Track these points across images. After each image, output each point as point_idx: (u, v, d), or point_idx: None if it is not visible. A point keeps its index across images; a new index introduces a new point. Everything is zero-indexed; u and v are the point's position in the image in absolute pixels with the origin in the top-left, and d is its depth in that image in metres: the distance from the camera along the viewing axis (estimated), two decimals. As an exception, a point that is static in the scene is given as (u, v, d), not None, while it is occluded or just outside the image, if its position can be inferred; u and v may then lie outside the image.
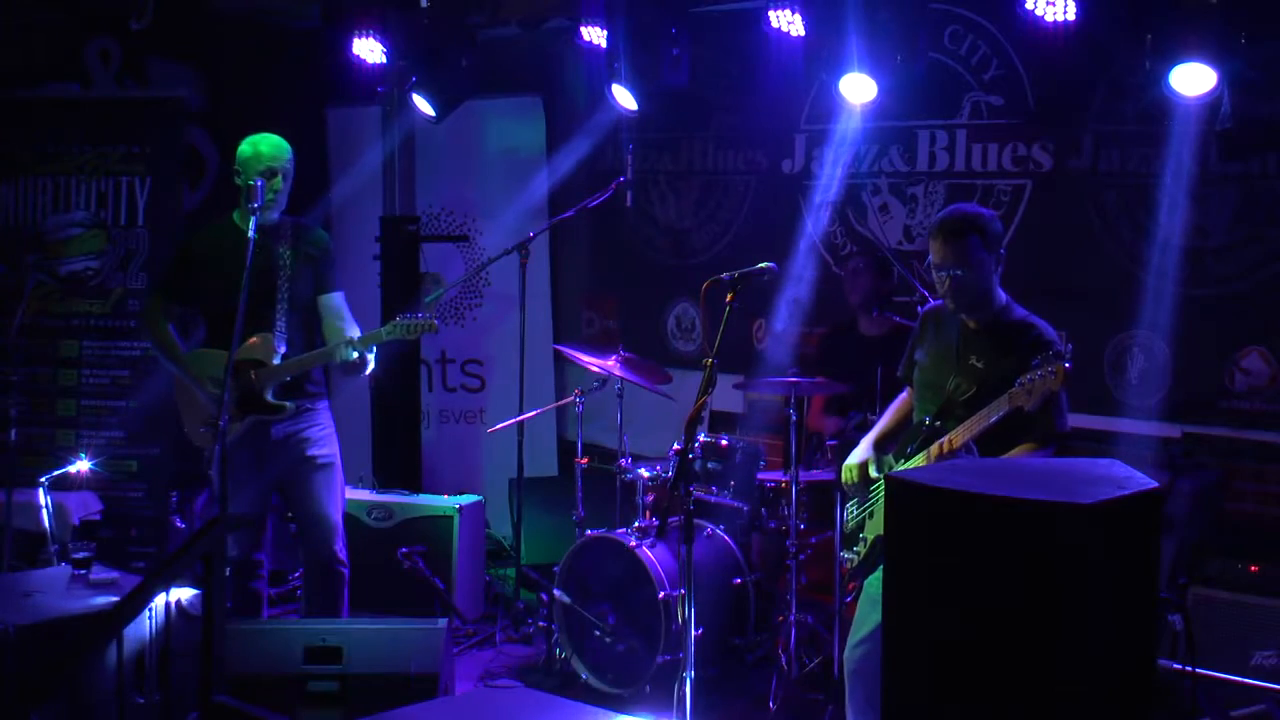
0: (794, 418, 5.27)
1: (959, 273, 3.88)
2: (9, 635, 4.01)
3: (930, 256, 3.97)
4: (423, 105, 6.57)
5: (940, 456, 3.83)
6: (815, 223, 6.81)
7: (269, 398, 4.93)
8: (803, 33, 5.48)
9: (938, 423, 3.92)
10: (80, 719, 3.96)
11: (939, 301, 4.16)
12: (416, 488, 6.67)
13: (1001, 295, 3.99)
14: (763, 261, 4.36)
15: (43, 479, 5.75)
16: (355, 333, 5.01)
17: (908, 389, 4.30)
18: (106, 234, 6.59)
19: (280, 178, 4.89)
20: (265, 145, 4.91)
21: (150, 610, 4.07)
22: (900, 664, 2.63)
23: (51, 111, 6.72)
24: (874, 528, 4.13)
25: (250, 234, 4.62)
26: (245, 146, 4.92)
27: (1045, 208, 5.93)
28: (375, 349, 4.92)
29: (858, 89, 5.50)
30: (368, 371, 4.99)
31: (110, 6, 7.04)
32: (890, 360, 4.76)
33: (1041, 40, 5.37)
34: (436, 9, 6.50)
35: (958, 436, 3.80)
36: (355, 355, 4.85)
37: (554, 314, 7.73)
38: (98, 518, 6.17)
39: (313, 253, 5.07)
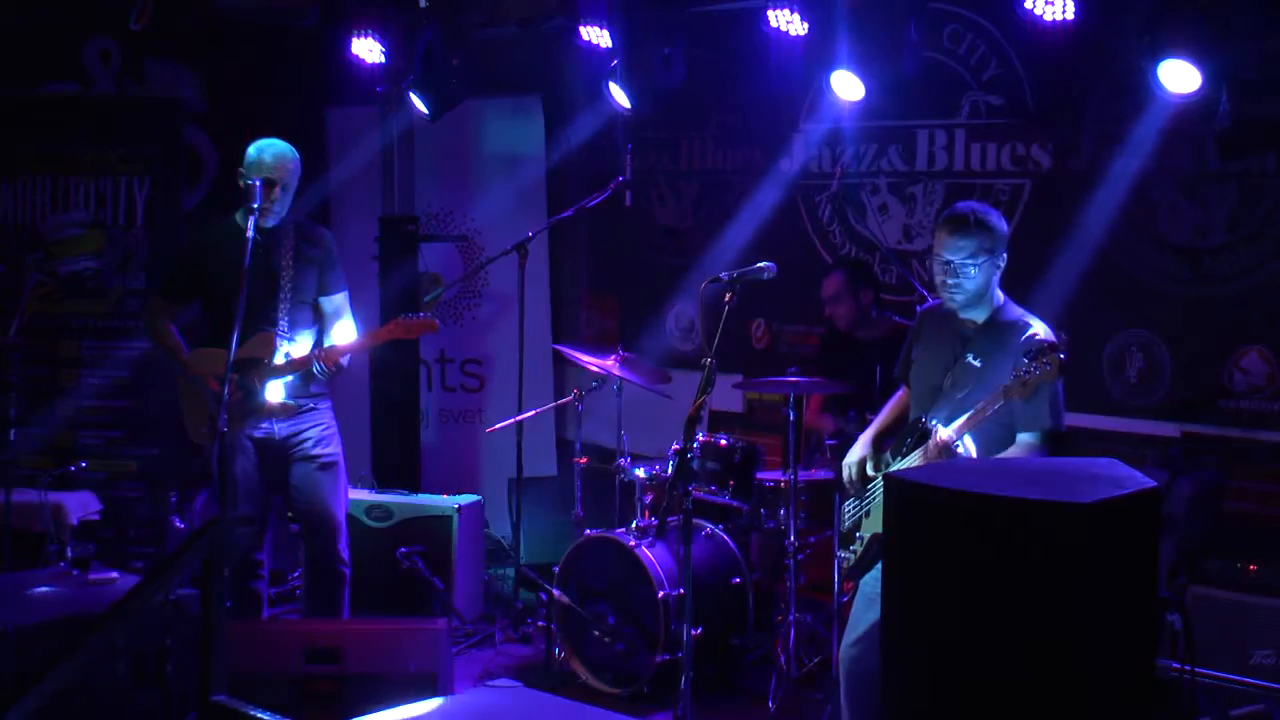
0: (793, 417, 5.27)
1: (961, 268, 3.88)
2: (9, 635, 4.01)
3: (933, 248, 3.97)
4: (418, 104, 6.58)
5: (937, 453, 3.82)
6: (814, 222, 6.81)
7: (271, 397, 4.94)
8: (803, 32, 5.48)
9: (934, 421, 3.93)
10: (80, 719, 3.96)
11: (937, 301, 4.16)
12: (416, 487, 6.67)
13: (1000, 295, 3.99)
14: (761, 261, 4.36)
15: (43, 479, 5.76)
16: (350, 335, 5.04)
17: (904, 387, 4.30)
18: (106, 234, 6.60)
19: (280, 188, 4.90)
20: (269, 153, 4.91)
21: (149, 610, 4.07)
22: (898, 664, 2.63)
23: (51, 111, 6.73)
24: (870, 526, 4.12)
25: (249, 234, 4.63)
26: (252, 150, 4.94)
27: (1044, 208, 5.93)
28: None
29: (848, 87, 5.50)
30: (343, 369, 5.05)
31: (110, 6, 7.04)
32: (889, 360, 4.77)
33: (1041, 39, 5.37)
34: (435, 9, 6.50)
35: (954, 432, 3.80)
36: (319, 370, 4.96)
37: (553, 314, 7.73)
38: (97, 518, 6.17)
39: (316, 254, 5.08)
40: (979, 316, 3.98)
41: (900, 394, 4.33)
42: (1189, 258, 5.56)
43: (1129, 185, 5.68)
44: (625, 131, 7.26)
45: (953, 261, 3.89)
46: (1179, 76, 4.68)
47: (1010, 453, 3.82)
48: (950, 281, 3.91)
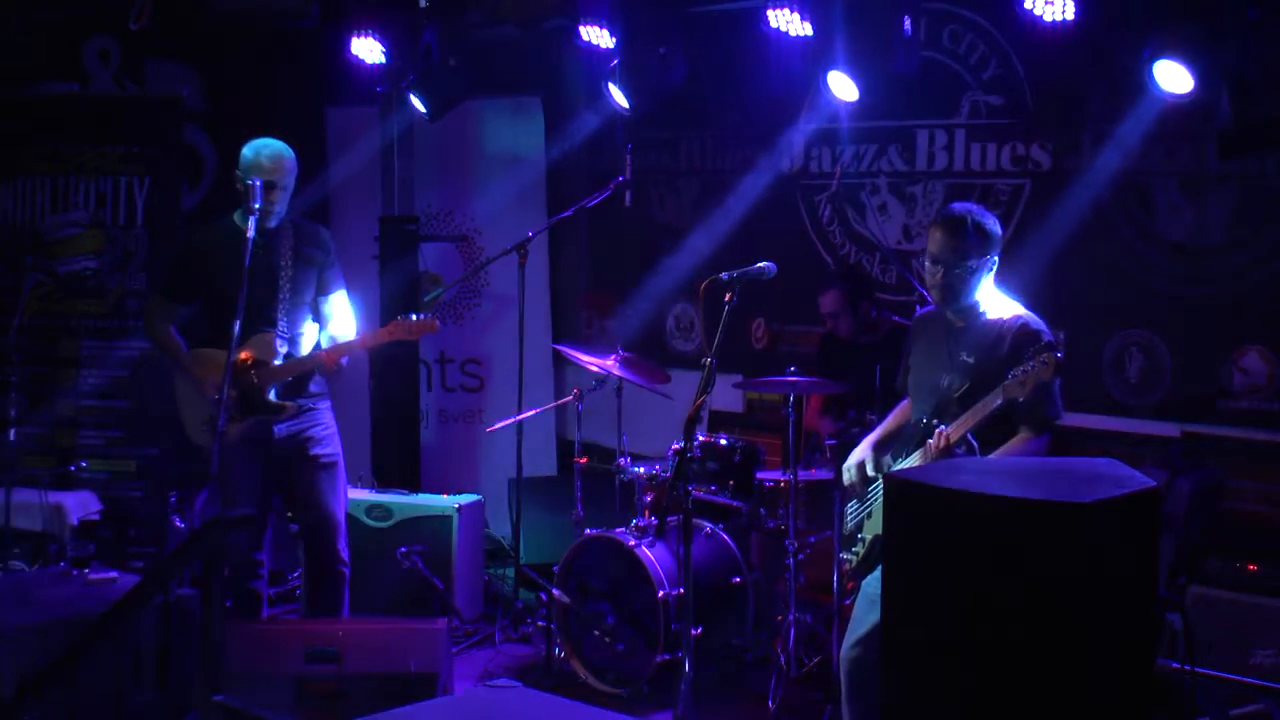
0: (793, 417, 5.27)
1: (952, 268, 3.91)
2: (9, 635, 4.01)
3: (928, 247, 4.00)
4: (417, 105, 6.59)
5: (938, 451, 3.83)
6: (814, 222, 6.81)
7: (271, 398, 4.94)
8: (804, 33, 5.48)
9: (934, 421, 3.93)
10: (80, 719, 3.96)
11: (930, 307, 4.18)
12: (416, 487, 6.67)
13: (991, 292, 4.01)
14: (761, 261, 4.36)
15: (43, 479, 5.76)
16: (350, 335, 5.05)
17: (906, 398, 4.31)
18: (105, 234, 6.60)
19: (280, 189, 4.89)
20: (266, 155, 4.89)
21: (150, 610, 4.07)
22: (899, 664, 2.63)
23: (51, 111, 6.73)
24: (872, 528, 4.13)
25: (249, 234, 4.63)
26: (248, 151, 4.92)
27: (1044, 208, 5.93)
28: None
29: (843, 87, 5.50)
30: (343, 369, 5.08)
31: (110, 6, 7.04)
32: (889, 360, 4.76)
33: (1040, 40, 5.37)
34: (435, 9, 6.50)
35: (955, 431, 3.81)
36: (319, 371, 4.98)
37: (553, 314, 7.73)
38: (97, 518, 6.18)
39: (315, 254, 5.08)
40: (971, 315, 4.00)
41: (904, 404, 4.34)
42: (1189, 258, 5.56)
43: (1129, 185, 5.68)
44: (625, 131, 7.26)
45: (946, 262, 3.91)
46: (1174, 77, 4.67)
47: (1010, 445, 3.84)
48: (943, 281, 3.94)
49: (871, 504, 4.17)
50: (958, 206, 4.03)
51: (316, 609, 5.15)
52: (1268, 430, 5.37)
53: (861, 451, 4.23)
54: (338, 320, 5.13)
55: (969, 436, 3.82)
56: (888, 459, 4.13)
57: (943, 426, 3.86)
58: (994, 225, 3.98)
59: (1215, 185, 5.47)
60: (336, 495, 5.11)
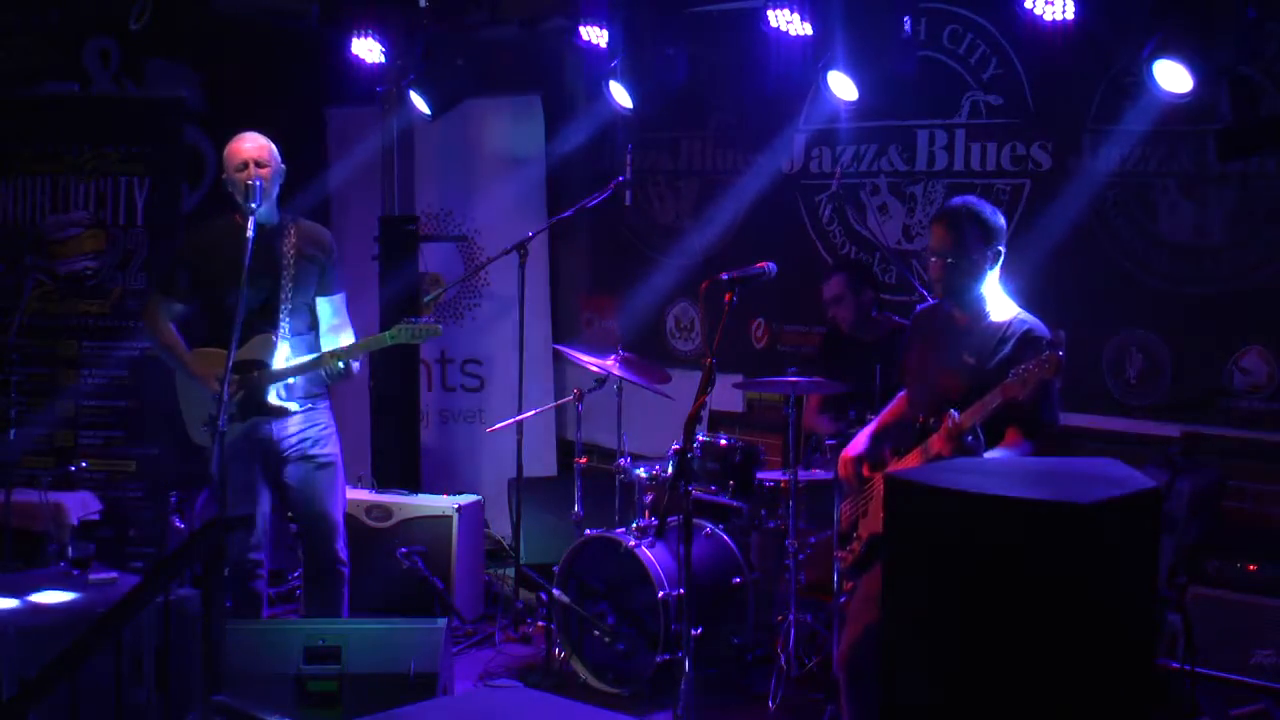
0: (793, 417, 5.27)
1: (952, 260, 3.91)
2: (9, 635, 4.01)
3: (929, 240, 4.00)
4: (419, 104, 6.59)
5: (949, 436, 3.79)
6: (814, 222, 6.81)
7: (270, 398, 4.93)
8: (804, 33, 5.48)
9: (932, 420, 3.93)
10: (80, 719, 3.96)
11: (931, 302, 4.18)
12: (415, 488, 6.68)
13: (994, 291, 4.01)
14: (761, 261, 4.36)
15: (43, 479, 5.75)
16: (347, 340, 5.03)
17: (904, 390, 4.31)
18: (105, 234, 6.59)
19: (268, 167, 4.89)
20: (243, 137, 4.95)
21: (149, 610, 4.07)
22: (897, 663, 2.63)
23: (51, 111, 6.72)
24: (868, 526, 4.13)
25: (249, 234, 4.63)
26: (227, 149, 4.98)
27: (1044, 207, 5.93)
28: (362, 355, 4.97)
29: (843, 87, 5.50)
30: (353, 374, 5.03)
31: (109, 6, 7.04)
32: (889, 360, 4.76)
33: (1041, 39, 5.37)
34: (435, 9, 6.51)
35: (965, 419, 3.78)
36: (342, 367, 4.90)
37: (553, 314, 7.73)
38: (97, 518, 6.17)
39: (317, 254, 5.08)
40: (973, 313, 4.00)
41: (901, 395, 4.34)
42: (1189, 258, 5.56)
43: (1129, 185, 5.68)
44: (625, 131, 7.25)
45: (947, 255, 3.91)
46: (1173, 77, 4.67)
47: (1004, 446, 3.83)
48: (944, 274, 3.94)
49: (867, 501, 4.16)
50: (956, 200, 4.04)
51: (316, 609, 5.14)
52: (1268, 430, 5.37)
53: (860, 444, 4.23)
54: (337, 322, 5.12)
55: (978, 429, 3.81)
56: (885, 456, 4.12)
57: (955, 412, 3.82)
58: (994, 216, 3.97)
59: (1215, 185, 5.47)
60: (334, 495, 5.10)
